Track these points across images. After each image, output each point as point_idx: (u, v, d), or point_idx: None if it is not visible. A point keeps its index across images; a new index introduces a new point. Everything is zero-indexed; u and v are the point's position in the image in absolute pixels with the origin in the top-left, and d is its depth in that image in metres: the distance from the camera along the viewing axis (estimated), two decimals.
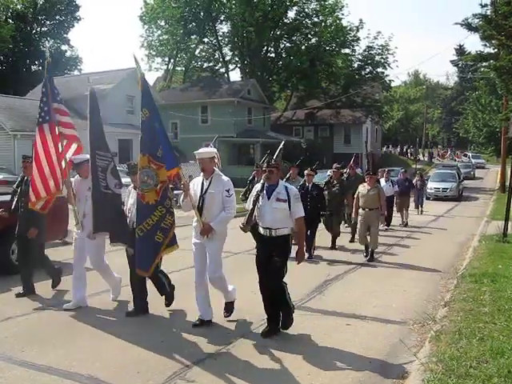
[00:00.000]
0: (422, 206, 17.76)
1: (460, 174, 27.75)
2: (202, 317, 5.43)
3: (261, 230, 5.17)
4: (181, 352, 4.68)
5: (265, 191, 5.10)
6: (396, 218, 14.40)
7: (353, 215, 10.18)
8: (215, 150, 5.62)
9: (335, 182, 10.65)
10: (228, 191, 5.28)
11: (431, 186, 24.58)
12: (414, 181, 17.30)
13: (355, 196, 9.75)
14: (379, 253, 10.10)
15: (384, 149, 62.70)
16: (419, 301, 6.55)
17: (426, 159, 56.80)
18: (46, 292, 6.73)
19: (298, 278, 7.81)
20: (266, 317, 5.65)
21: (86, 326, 5.40)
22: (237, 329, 5.39)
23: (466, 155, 56.46)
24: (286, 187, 5.11)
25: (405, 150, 64.31)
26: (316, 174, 10.02)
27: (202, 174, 5.39)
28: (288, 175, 10.33)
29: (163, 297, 6.02)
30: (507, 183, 23.56)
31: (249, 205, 5.24)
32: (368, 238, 9.63)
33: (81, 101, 27.25)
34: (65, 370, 4.24)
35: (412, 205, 16.39)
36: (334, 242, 10.57)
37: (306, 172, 9.78)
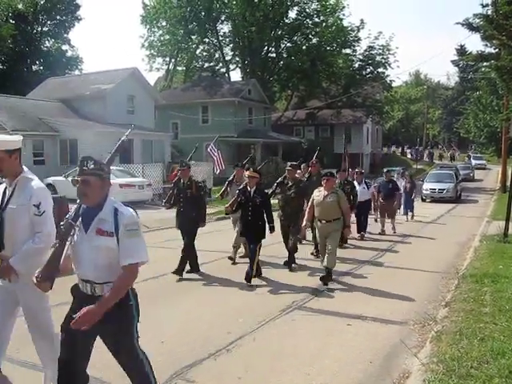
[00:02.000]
0: (412, 212, 16.21)
1: (458, 175, 27.35)
2: None
3: (79, 283, 3.05)
4: (180, 352, 4.68)
5: (81, 218, 2.97)
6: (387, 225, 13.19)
7: (302, 226, 8.00)
8: (20, 139, 3.47)
9: (290, 183, 8.58)
10: (38, 206, 3.32)
11: (427, 186, 23.75)
12: (402, 183, 16.23)
13: (309, 203, 7.82)
14: (379, 253, 10.09)
15: (400, 149, 62.70)
16: (420, 301, 6.54)
17: (426, 159, 56.73)
18: None
19: (296, 278, 7.84)
20: (264, 318, 5.66)
21: None
22: (237, 329, 5.39)
23: (469, 156, 55.66)
24: (116, 211, 2.92)
25: (405, 150, 64.33)
26: (260, 175, 7.78)
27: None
28: (231, 177, 9.24)
29: None
30: (508, 183, 23.56)
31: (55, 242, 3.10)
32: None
33: (81, 100, 27.46)
34: None
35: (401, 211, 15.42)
36: (290, 257, 8.45)
37: (246, 173, 7.73)
